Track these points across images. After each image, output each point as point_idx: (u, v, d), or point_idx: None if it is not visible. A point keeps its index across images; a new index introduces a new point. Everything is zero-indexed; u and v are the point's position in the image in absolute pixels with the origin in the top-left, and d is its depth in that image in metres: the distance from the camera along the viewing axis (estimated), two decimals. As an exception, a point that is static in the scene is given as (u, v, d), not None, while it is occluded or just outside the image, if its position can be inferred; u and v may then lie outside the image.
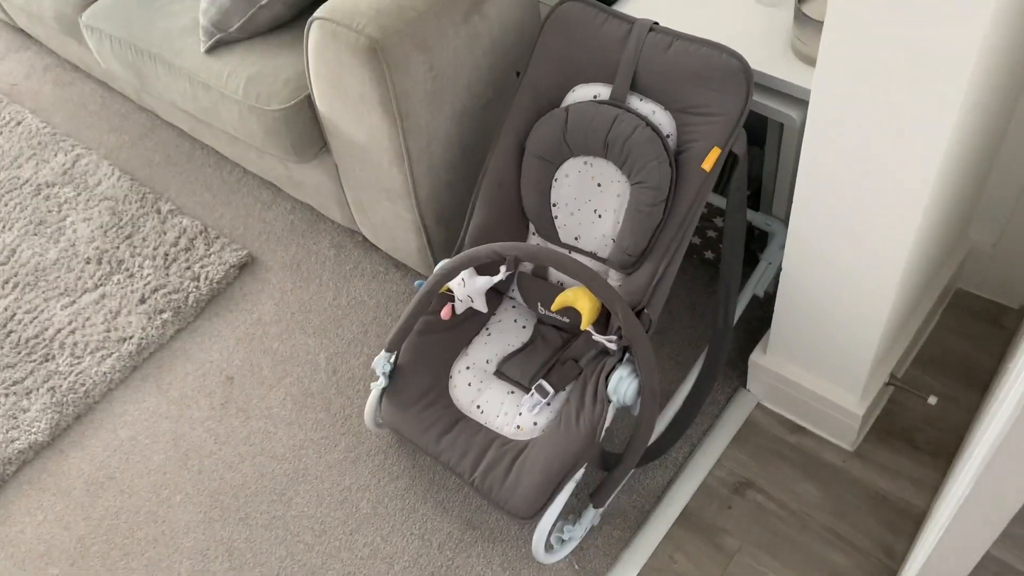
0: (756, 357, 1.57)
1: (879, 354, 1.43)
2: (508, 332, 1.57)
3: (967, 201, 1.50)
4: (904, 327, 1.55)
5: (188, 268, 1.95)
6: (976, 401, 1.58)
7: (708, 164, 1.30)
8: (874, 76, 1.05)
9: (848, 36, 1.04)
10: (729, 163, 1.38)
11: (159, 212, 2.07)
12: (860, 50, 1.04)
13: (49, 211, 2.12)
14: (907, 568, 1.32)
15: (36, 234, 2.08)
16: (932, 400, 1.47)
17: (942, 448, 1.54)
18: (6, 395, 1.80)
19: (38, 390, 1.80)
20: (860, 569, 1.44)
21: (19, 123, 2.34)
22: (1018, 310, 1.68)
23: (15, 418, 1.76)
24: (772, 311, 1.69)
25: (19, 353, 1.86)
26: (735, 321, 1.54)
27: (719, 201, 1.65)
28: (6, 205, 2.15)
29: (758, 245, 1.73)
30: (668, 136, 1.36)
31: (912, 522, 1.47)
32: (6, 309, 1.94)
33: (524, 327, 1.57)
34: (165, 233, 2.03)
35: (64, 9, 2.02)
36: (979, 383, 1.60)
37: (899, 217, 1.17)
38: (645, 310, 1.37)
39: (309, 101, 1.63)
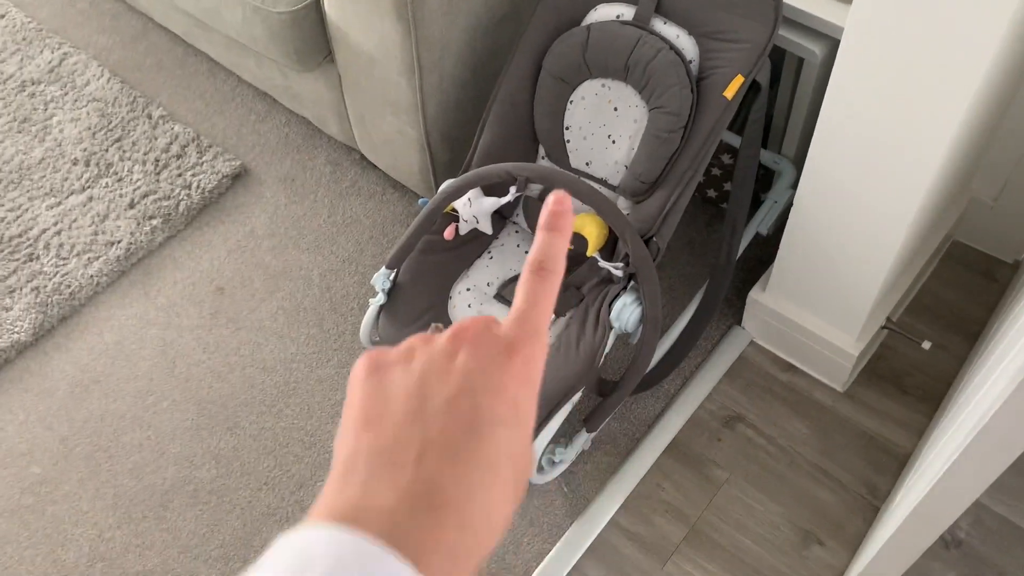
0: (755, 294, 1.57)
1: (880, 296, 1.44)
2: (510, 256, 1.56)
3: (975, 151, 1.51)
4: (903, 273, 1.56)
5: (179, 175, 1.90)
6: (966, 350, 1.61)
7: (730, 92, 1.29)
8: (911, 13, 1.04)
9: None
10: (746, 96, 1.37)
11: (150, 117, 2.01)
12: (902, -22, 1.02)
13: (35, 109, 2.05)
14: (892, 507, 1.35)
15: (20, 132, 2.01)
16: (926, 345, 1.49)
17: (930, 393, 1.57)
18: (-12, 293, 1.75)
19: (21, 289, 1.76)
20: (844, 505, 1.47)
21: (2, 16, 2.25)
22: (1012, 264, 1.70)
23: (-3, 316, 1.72)
24: (772, 251, 1.70)
25: (2, 252, 1.81)
26: (737, 258, 1.54)
27: (729, 138, 1.64)
28: (-12, 100, 2.07)
29: (760, 185, 1.72)
30: (691, 62, 1.34)
31: (897, 463, 1.50)
32: (-12, 206, 1.88)
33: (527, 252, 1.56)
34: (156, 139, 1.97)
35: None
36: (969, 333, 1.63)
37: (920, 158, 1.17)
38: (654, 238, 1.36)
39: (317, 5, 1.57)
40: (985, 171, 1.62)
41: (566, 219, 0.43)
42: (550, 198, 0.44)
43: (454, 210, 1.50)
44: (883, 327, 1.53)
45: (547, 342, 0.42)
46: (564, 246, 0.44)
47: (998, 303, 1.64)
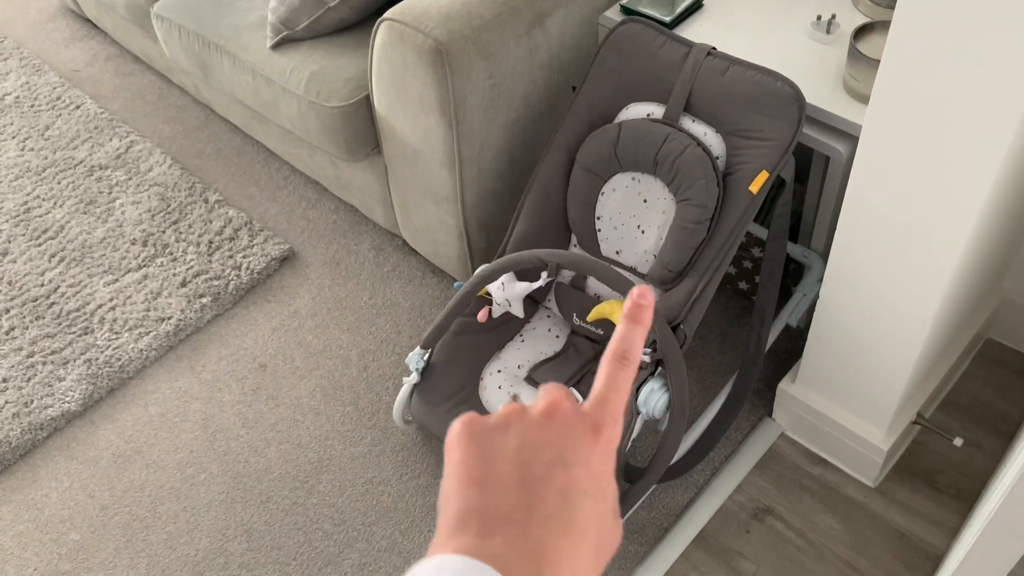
0: (785, 385, 1.58)
1: (908, 391, 1.44)
2: (541, 340, 1.59)
3: (1003, 250, 1.52)
4: (934, 369, 1.57)
5: (231, 257, 2.00)
6: (1000, 449, 1.59)
7: (756, 187, 1.34)
8: (926, 115, 1.08)
9: (903, 76, 1.07)
10: (772, 191, 1.41)
11: (207, 201, 2.12)
12: (914, 89, 1.07)
13: (100, 192, 2.18)
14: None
15: (86, 212, 2.13)
16: (958, 442, 1.48)
17: (963, 492, 1.54)
18: (44, 363, 1.84)
19: (75, 361, 1.84)
20: (875, 604, 1.43)
21: (78, 107, 2.41)
22: (1047, 364, 1.69)
23: (50, 386, 1.80)
24: (802, 343, 1.71)
25: (60, 324, 1.91)
26: (766, 349, 1.56)
27: (759, 232, 1.68)
28: (59, 183, 2.21)
29: (791, 279, 1.75)
30: (717, 158, 1.40)
31: (929, 562, 1.47)
32: (51, 281, 1.99)
33: (557, 336, 1.60)
34: (211, 222, 2.07)
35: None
36: (1004, 432, 1.61)
37: (938, 254, 1.20)
38: (681, 325, 1.39)
39: (367, 101, 1.68)
40: (1017, 270, 1.63)
41: (647, 313, 0.47)
42: (634, 291, 0.48)
43: (488, 293, 1.56)
44: (914, 422, 1.52)
45: (621, 425, 0.47)
46: (643, 337, 0.48)
47: (1034, 402, 1.62)
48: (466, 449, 0.44)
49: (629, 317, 0.47)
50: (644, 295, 0.48)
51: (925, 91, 1.06)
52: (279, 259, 1.99)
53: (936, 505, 1.54)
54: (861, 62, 1.36)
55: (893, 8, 1.51)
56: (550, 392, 0.46)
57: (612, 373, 0.47)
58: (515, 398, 0.48)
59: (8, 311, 1.94)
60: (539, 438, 0.44)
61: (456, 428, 0.45)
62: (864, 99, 1.39)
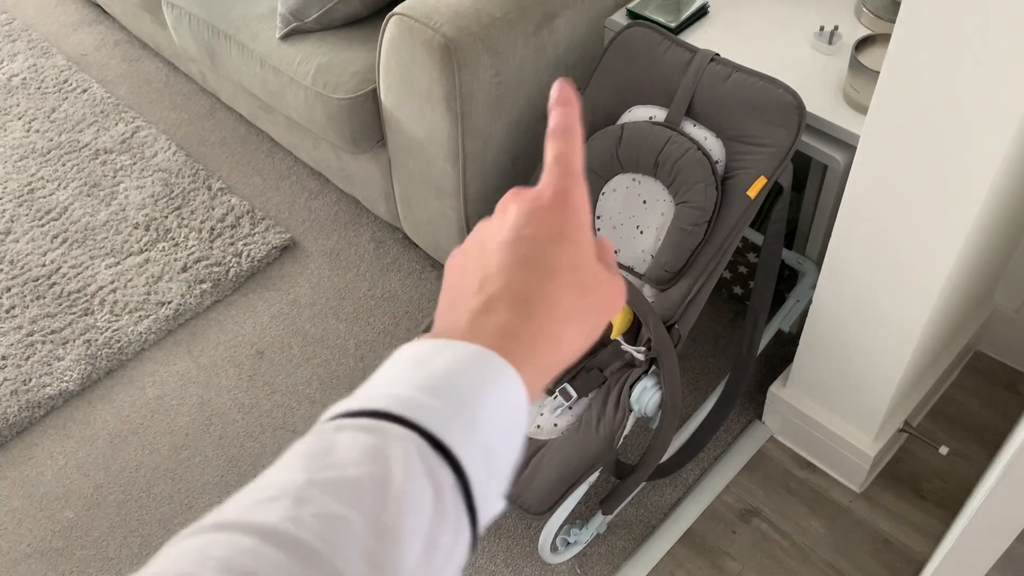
0: (776, 389, 1.61)
1: (897, 398, 1.47)
2: (538, 336, 1.61)
3: (995, 262, 1.55)
4: (923, 378, 1.59)
5: (232, 244, 2.02)
6: (985, 459, 1.61)
7: (753, 191, 1.36)
8: (922, 127, 1.11)
9: (902, 87, 1.10)
10: (770, 197, 1.44)
11: (210, 188, 2.14)
12: (912, 101, 1.10)
13: (104, 175, 2.19)
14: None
15: (90, 195, 2.15)
16: (943, 450, 1.50)
17: (948, 500, 1.57)
18: (43, 342, 1.85)
19: (74, 341, 1.85)
20: (857, 606, 1.46)
21: (85, 91, 2.43)
22: (1034, 377, 1.72)
23: (49, 365, 1.81)
24: (794, 349, 1.73)
25: (60, 304, 1.92)
26: (758, 352, 1.58)
27: (754, 237, 1.70)
28: (63, 165, 2.22)
29: (785, 285, 1.78)
30: (717, 162, 1.42)
31: (912, 567, 1.50)
32: (52, 262, 2.00)
33: (553, 333, 1.62)
34: (213, 209, 2.09)
35: (147, -14, 2.11)
36: (990, 443, 1.64)
37: (931, 264, 1.22)
38: (676, 325, 1.41)
39: (374, 94, 1.70)
40: (1007, 282, 1.66)
41: (570, 92, 0.49)
42: (554, 89, 0.50)
43: (487, 289, 1.58)
44: (901, 429, 1.55)
45: (583, 181, 0.48)
46: (576, 114, 0.49)
47: (1021, 415, 1.65)
48: (447, 269, 0.48)
49: (557, 102, 0.49)
50: (562, 84, 0.49)
51: (922, 103, 1.09)
52: (280, 248, 2.01)
53: (920, 512, 1.56)
54: (862, 73, 1.39)
55: (894, 22, 1.53)
56: (504, 199, 0.48)
57: (556, 145, 0.48)
58: None
59: (9, 290, 1.95)
60: (496, 225, 0.47)
61: (448, 262, 0.49)
62: (863, 110, 1.42)
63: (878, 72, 1.36)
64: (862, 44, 1.42)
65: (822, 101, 1.45)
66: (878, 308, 1.33)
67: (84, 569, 1.55)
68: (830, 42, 1.53)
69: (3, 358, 1.83)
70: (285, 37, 1.80)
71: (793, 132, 1.36)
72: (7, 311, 1.92)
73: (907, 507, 1.57)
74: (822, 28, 1.55)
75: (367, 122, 1.73)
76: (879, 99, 1.14)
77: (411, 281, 1.95)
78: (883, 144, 1.16)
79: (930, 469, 1.61)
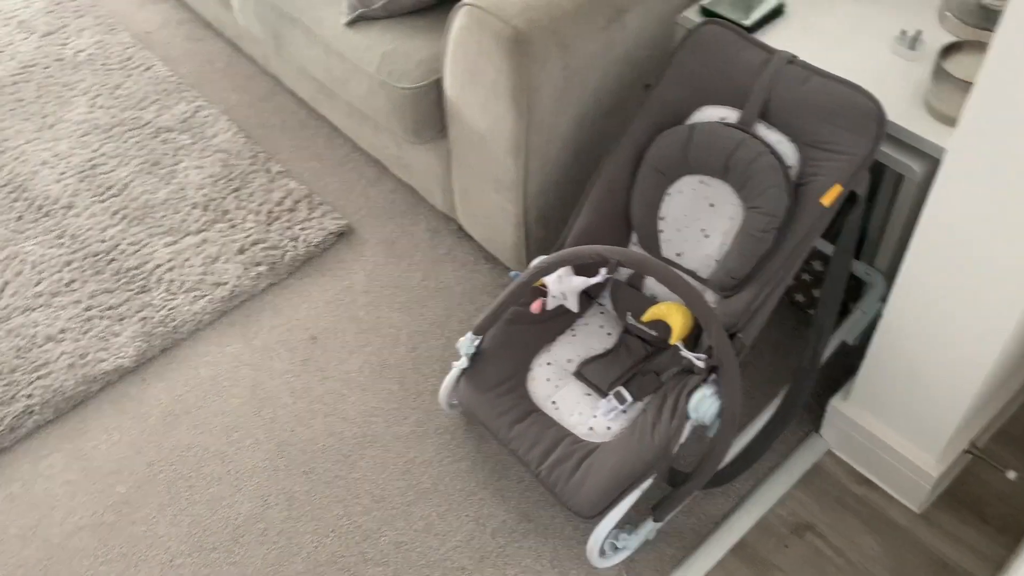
0: (836, 403, 1.56)
1: (965, 419, 1.42)
2: (593, 336, 1.59)
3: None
4: (993, 399, 1.54)
5: (289, 228, 2.02)
6: (1053, 486, 1.56)
7: (828, 199, 1.32)
8: (1014, 139, 1.06)
9: (999, 100, 1.05)
10: (843, 206, 1.39)
11: (268, 172, 2.14)
12: (1010, 116, 1.05)
13: (164, 154, 2.21)
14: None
15: (150, 173, 2.17)
16: (1011, 475, 1.45)
17: (1011, 525, 1.52)
18: (100, 318, 1.88)
19: (131, 318, 1.87)
20: (912, 631, 1.42)
21: (147, 68, 2.45)
22: (1109, 403, 1.65)
23: (106, 340, 1.83)
24: (856, 361, 1.68)
25: (118, 280, 1.94)
26: (821, 364, 1.54)
27: (822, 245, 1.66)
28: (125, 142, 2.25)
29: (850, 295, 1.73)
30: (790, 167, 1.38)
31: (971, 594, 1.45)
32: (112, 238, 2.03)
33: (609, 334, 1.59)
34: (272, 192, 2.10)
35: (215, -34, 2.11)
36: (1058, 469, 1.58)
37: (1015, 288, 1.17)
38: (739, 334, 1.38)
39: (438, 84, 1.68)
40: (1085, 304, 1.59)
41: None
42: None
43: (544, 285, 1.56)
44: (966, 451, 1.50)
45: None
46: None
47: (1091, 441, 1.58)
48: None
49: None
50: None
51: (1021, 119, 1.04)
52: (336, 234, 2.01)
53: (982, 536, 1.51)
54: (947, 82, 1.34)
55: (982, 28, 1.47)
56: None
57: None
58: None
59: (70, 263, 1.98)
60: None
61: None
62: (947, 120, 1.36)
63: (965, 81, 1.31)
64: (948, 51, 1.37)
65: (901, 108, 1.40)
66: (952, 329, 1.28)
67: (134, 545, 1.56)
68: (912, 47, 1.48)
69: (62, 331, 1.85)
70: (351, 23, 1.79)
71: (872, 140, 1.31)
72: (66, 284, 1.94)
73: (969, 531, 1.52)
74: (903, 32, 1.49)
75: (430, 112, 1.71)
76: (972, 112, 1.09)
77: (464, 273, 1.94)
78: (973, 160, 1.11)
79: (994, 493, 1.56)
